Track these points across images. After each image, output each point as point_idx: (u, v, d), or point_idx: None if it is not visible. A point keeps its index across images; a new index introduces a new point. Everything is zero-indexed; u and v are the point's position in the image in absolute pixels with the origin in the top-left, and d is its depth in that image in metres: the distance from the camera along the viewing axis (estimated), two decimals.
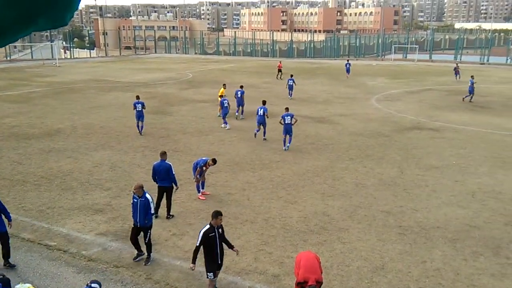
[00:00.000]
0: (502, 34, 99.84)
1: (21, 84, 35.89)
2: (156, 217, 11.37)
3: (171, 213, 11.50)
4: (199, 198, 12.76)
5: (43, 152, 17.07)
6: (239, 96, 23.76)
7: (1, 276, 8.10)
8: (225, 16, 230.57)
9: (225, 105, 21.67)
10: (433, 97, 31.50)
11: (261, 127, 19.16)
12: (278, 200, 12.76)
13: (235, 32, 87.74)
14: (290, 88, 30.73)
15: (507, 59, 58.60)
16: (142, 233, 9.32)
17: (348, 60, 47.41)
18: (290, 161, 16.44)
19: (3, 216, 8.96)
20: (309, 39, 77.45)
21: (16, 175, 14.54)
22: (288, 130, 17.74)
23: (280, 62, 44.24)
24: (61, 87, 34.35)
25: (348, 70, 42.35)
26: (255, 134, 19.36)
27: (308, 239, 10.45)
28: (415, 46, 66.17)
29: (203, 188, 13.01)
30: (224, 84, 24.65)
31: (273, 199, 12.88)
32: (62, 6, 1.47)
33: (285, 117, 17.71)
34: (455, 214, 11.91)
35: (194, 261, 7.94)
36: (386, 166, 15.94)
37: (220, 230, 7.92)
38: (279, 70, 41.05)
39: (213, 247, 7.85)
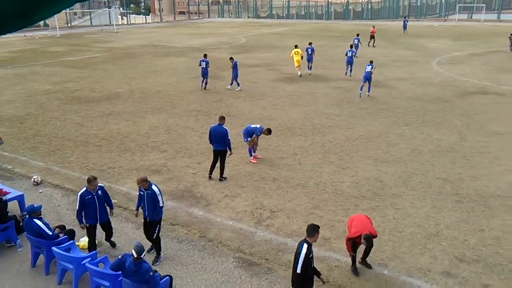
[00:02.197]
0: None
1: (82, 49, 37.37)
2: (210, 178, 11.70)
3: (224, 176, 11.75)
4: (251, 161, 12.91)
5: (103, 115, 17.85)
6: (309, 52, 25.39)
7: (65, 229, 8.72)
8: None
9: (237, 67, 21.82)
10: (501, 60, 29.46)
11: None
12: (330, 165, 12.66)
13: None
14: (356, 47, 30.73)
15: None
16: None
17: (405, 17, 52.36)
18: (342, 126, 16.15)
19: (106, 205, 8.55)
20: None
21: (79, 136, 15.36)
22: (367, 78, 20.01)
23: (374, 27, 38.60)
24: (118, 53, 35.42)
25: (405, 27, 45.42)
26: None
27: (359, 204, 10.34)
28: (481, 5, 61.62)
29: (254, 152, 13.15)
30: (296, 45, 25.57)
31: (324, 164, 12.79)
32: None
33: (367, 66, 20.27)
34: None
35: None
36: (445, 132, 15.27)
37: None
38: (372, 37, 36.64)
39: (309, 270, 6.48)
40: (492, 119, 16.58)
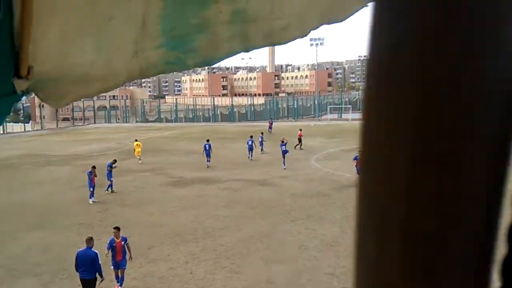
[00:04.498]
0: None
1: None
2: None
3: None
4: None
5: None
6: (207, 148, 28.76)
7: None
8: (167, 84, 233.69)
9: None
10: None
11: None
12: (222, 271, 12.46)
13: (176, 99, 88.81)
14: (260, 143, 33.72)
15: None
16: None
17: (271, 118, 59.40)
18: (233, 227, 16.28)
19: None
20: (249, 102, 79.69)
21: None
22: (284, 153, 27.69)
23: (300, 130, 36.82)
24: None
25: (270, 128, 49.50)
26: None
27: None
28: (349, 106, 69.94)
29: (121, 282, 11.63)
30: (136, 139, 32.11)
31: (216, 270, 12.57)
32: None
33: (282, 146, 27.50)
34: None
35: None
36: (327, 226, 16.18)
37: None
38: (299, 140, 35.65)
39: None
40: None
